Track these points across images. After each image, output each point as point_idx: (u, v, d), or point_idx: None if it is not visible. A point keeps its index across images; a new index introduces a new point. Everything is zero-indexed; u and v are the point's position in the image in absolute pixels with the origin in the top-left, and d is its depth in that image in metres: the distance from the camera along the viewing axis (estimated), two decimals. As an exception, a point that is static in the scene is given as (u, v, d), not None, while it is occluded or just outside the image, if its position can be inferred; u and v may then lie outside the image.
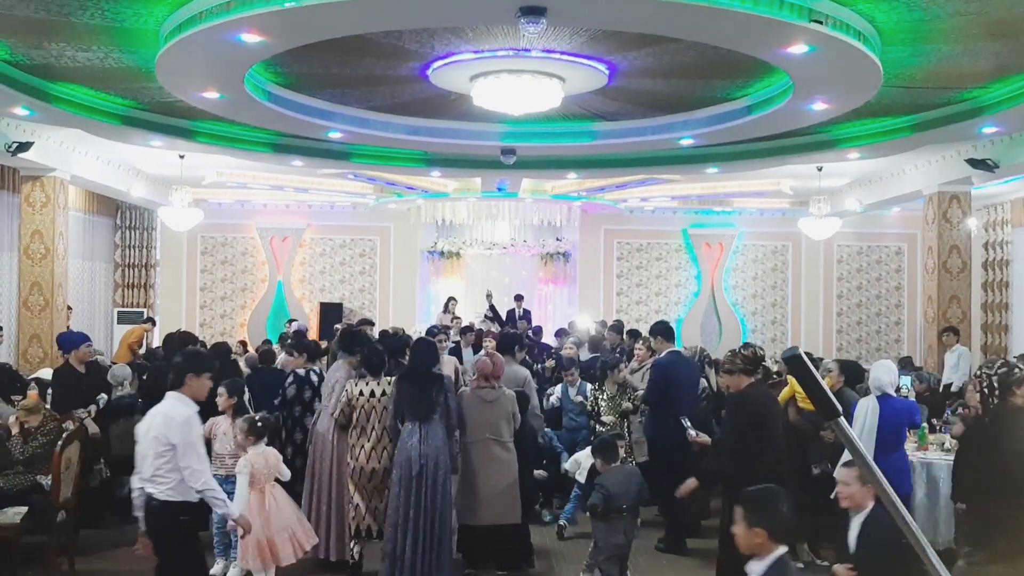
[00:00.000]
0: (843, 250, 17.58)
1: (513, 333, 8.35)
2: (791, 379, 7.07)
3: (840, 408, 1.61)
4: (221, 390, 6.23)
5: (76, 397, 7.90)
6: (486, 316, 14.38)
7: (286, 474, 5.90)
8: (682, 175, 13.54)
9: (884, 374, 6.35)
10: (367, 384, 6.23)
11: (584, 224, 17.08)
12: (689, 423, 6.29)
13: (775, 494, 3.44)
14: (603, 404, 7.83)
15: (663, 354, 7.73)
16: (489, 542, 6.36)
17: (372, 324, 11.57)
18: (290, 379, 7.30)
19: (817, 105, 8.45)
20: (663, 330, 7.85)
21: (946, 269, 12.30)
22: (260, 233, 17.02)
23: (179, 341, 8.22)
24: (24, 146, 9.70)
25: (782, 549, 3.33)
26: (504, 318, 14.41)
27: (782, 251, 17.78)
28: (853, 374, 7.37)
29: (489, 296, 15.20)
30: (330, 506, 6.36)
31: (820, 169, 12.30)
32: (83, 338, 8.38)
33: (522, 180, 13.88)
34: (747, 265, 17.81)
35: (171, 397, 4.67)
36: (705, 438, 6.18)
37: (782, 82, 8.21)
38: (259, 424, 5.85)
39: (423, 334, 9.68)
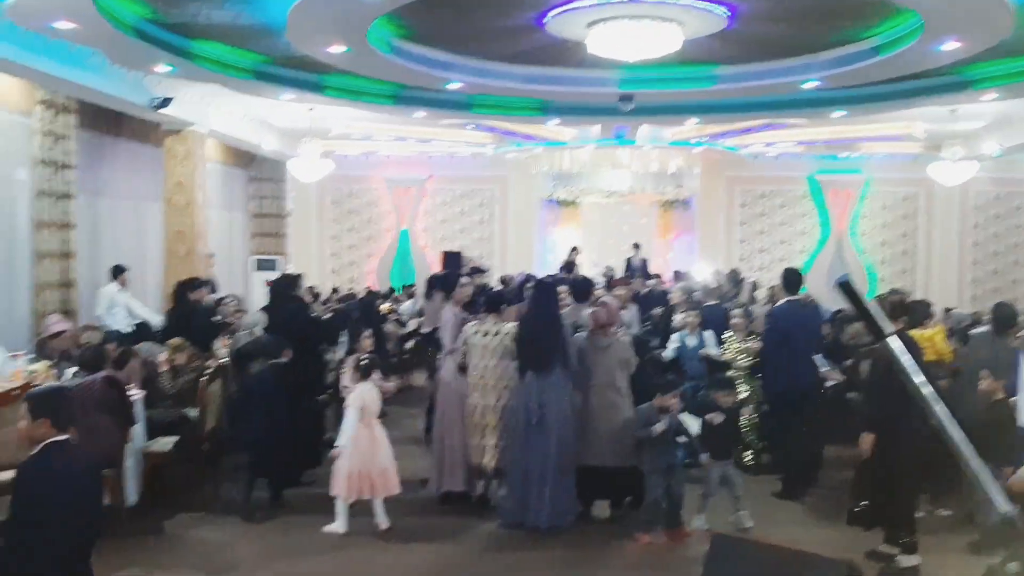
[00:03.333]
0: (979, 196, 16.77)
1: (584, 280, 8.36)
2: (919, 332, 6.95)
3: (889, 329, 1.68)
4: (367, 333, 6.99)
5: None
6: (561, 269, 14.20)
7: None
8: (807, 120, 13.16)
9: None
10: (484, 326, 6.48)
11: (705, 171, 16.83)
12: (823, 360, 6.24)
13: None
14: (735, 349, 7.93)
15: (780, 303, 7.66)
16: (604, 483, 6.54)
17: (484, 271, 11.77)
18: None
19: (949, 45, 8.07)
20: (784, 278, 7.73)
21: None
22: (386, 183, 17.52)
23: (285, 284, 8.55)
24: (166, 102, 10.27)
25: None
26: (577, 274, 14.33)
27: (913, 198, 17.10)
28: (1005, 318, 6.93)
29: (575, 251, 15.17)
30: (455, 444, 6.66)
31: (954, 111, 11.74)
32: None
33: (640, 127, 13.79)
34: (876, 213, 17.23)
35: None
36: (837, 375, 6.14)
37: (911, 21, 7.89)
38: (364, 363, 6.21)
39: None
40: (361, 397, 6.05)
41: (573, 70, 10.38)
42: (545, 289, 6.75)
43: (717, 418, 6.23)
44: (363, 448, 5.94)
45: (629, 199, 17.45)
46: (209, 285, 8.97)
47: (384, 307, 13.27)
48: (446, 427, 6.71)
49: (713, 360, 8.14)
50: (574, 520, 6.23)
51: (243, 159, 16.16)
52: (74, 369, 6.52)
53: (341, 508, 5.99)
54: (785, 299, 7.61)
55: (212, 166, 13.96)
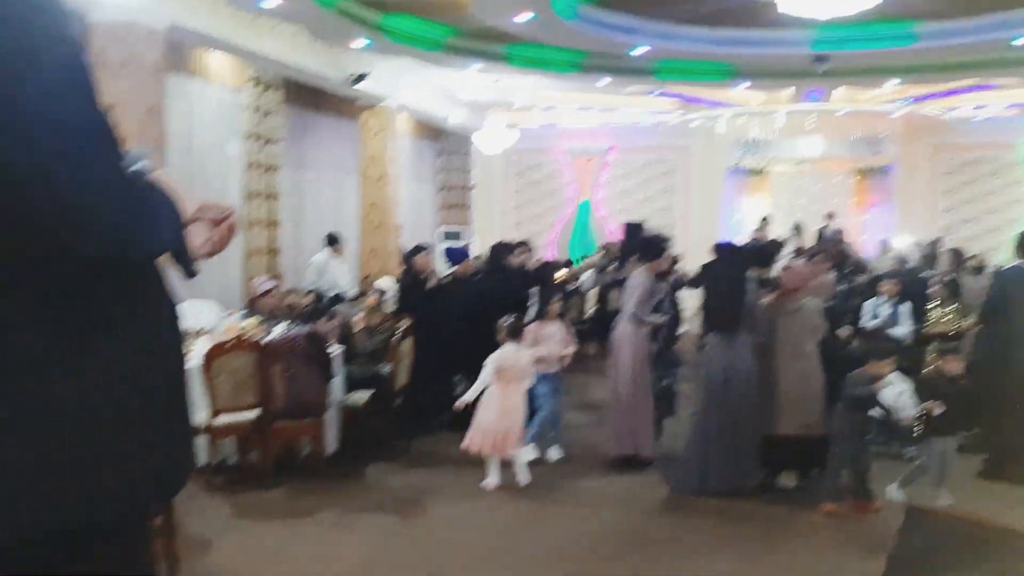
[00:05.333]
0: None
1: (770, 243, 8.06)
2: None
3: None
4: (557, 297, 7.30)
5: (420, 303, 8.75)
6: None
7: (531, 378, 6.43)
8: (1020, 80, 12.14)
9: None
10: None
11: (905, 136, 15.88)
12: None
13: None
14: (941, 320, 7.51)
15: (1009, 265, 7.09)
16: (789, 453, 6.37)
17: (668, 240, 11.58)
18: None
19: None
20: (1018, 241, 7.11)
21: None
22: (566, 155, 17.62)
23: (501, 250, 8.73)
24: (361, 77, 10.78)
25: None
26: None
27: None
28: None
29: (764, 222, 14.63)
30: (630, 405, 6.68)
31: None
32: (465, 252, 9.10)
33: (835, 90, 13.17)
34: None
35: None
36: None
37: None
38: (510, 325, 6.36)
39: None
40: (500, 357, 6.21)
41: (763, 31, 10.05)
42: (730, 250, 6.64)
43: (938, 408, 5.90)
44: (494, 406, 6.11)
45: (822, 167, 16.73)
46: (524, 246, 9.12)
47: (561, 274, 13.36)
48: (620, 391, 6.73)
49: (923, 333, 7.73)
50: (755, 488, 6.11)
51: (432, 133, 16.70)
52: (282, 325, 7.02)
53: (492, 464, 6.18)
54: (1016, 262, 7.03)
55: (403, 140, 14.53)
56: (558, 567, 4.86)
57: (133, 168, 1.35)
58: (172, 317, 1.43)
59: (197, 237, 1.41)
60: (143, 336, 1.36)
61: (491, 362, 6.22)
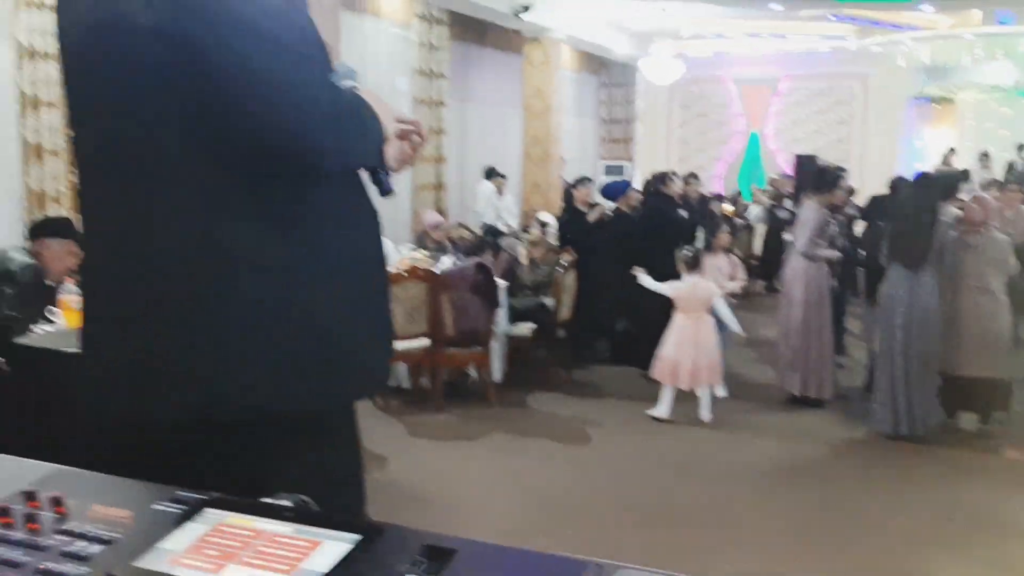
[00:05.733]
0: None
1: (954, 173, 7.51)
2: None
3: None
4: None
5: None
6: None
7: (724, 313, 6.39)
8: None
9: None
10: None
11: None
12: None
13: None
14: None
15: None
16: (971, 394, 6.08)
17: (843, 171, 11.05)
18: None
19: None
20: None
21: None
22: (736, 84, 17.04)
23: (656, 180, 8.61)
24: (527, 8, 10.76)
25: None
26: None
27: None
28: None
29: (951, 153, 13.65)
30: (803, 343, 6.51)
31: None
32: (625, 185, 8.97)
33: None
34: None
35: None
36: None
37: None
38: (686, 255, 6.26)
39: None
40: (676, 287, 6.14)
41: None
42: (923, 181, 6.30)
43: None
44: (683, 339, 6.06)
45: (1013, 95, 15.45)
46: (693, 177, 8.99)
47: (727, 209, 13.04)
48: (792, 329, 6.57)
49: None
50: (936, 428, 5.88)
51: (594, 65, 16.49)
52: (450, 256, 7.24)
53: (666, 394, 6.17)
54: None
55: (566, 73, 14.43)
56: (743, 493, 4.88)
57: (341, 83, 1.44)
58: (377, 229, 1.54)
59: (390, 149, 1.50)
60: (361, 244, 1.49)
61: (666, 287, 6.21)
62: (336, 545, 0.89)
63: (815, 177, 7.05)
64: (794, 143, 16.81)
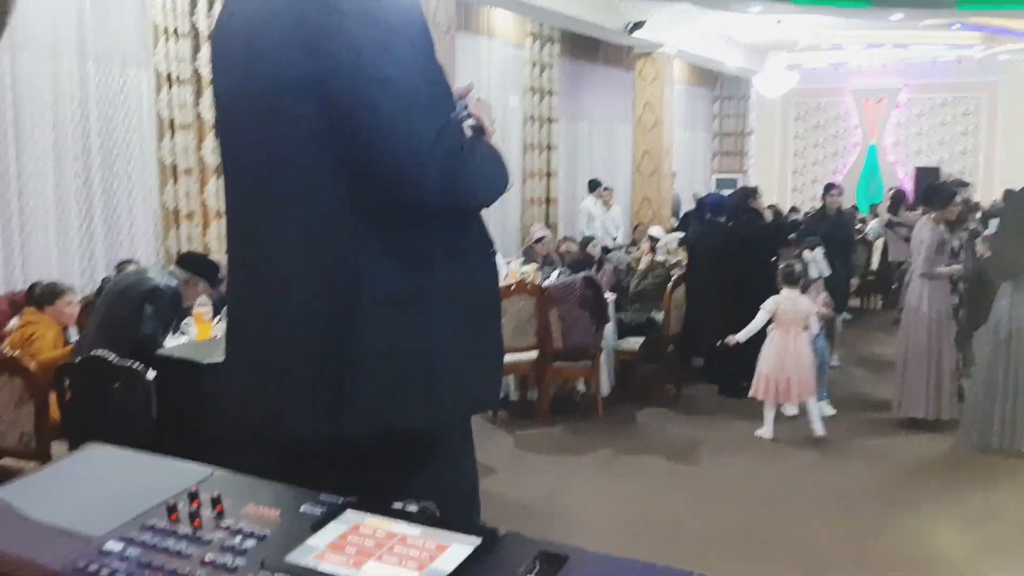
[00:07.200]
0: None
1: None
2: None
3: None
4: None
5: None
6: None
7: (814, 328, 6.17)
8: None
9: None
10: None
11: None
12: None
13: None
14: None
15: None
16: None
17: (966, 186, 10.72)
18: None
19: None
20: None
21: None
22: (853, 96, 16.61)
23: (742, 195, 8.47)
24: (638, 25, 10.80)
25: None
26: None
27: None
28: None
29: None
30: (926, 366, 6.32)
31: None
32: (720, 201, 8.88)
33: None
34: None
35: None
36: None
37: None
38: (787, 270, 6.21)
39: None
40: (775, 301, 6.09)
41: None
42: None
43: None
44: (775, 353, 6.01)
45: None
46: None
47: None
48: (910, 351, 6.38)
49: None
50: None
51: (707, 78, 16.37)
52: (557, 270, 7.33)
53: (767, 414, 6.11)
54: None
55: (678, 87, 14.38)
56: (842, 515, 4.79)
57: (458, 115, 1.58)
58: (492, 258, 1.66)
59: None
60: (477, 274, 1.62)
61: (764, 306, 6.16)
62: (459, 548, 0.99)
63: (927, 193, 6.85)
64: (916, 155, 16.28)
